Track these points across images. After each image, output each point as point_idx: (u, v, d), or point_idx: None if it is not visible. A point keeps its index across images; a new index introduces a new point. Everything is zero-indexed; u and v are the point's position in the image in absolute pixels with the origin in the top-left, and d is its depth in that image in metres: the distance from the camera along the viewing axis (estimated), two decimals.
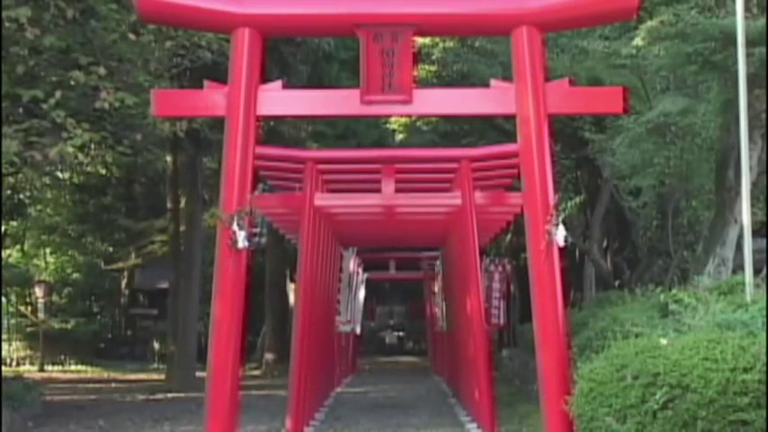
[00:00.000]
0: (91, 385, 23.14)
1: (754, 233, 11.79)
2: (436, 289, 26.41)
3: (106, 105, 11.70)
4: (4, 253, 29.68)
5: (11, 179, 16.75)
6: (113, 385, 23.20)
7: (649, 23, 12.00)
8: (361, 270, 24.02)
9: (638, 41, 12.24)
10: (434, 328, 26.98)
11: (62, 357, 31.14)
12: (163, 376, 23.43)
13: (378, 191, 13.32)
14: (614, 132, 14.70)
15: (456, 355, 17.18)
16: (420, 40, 16.17)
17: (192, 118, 13.67)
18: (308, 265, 12.89)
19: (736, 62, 7.99)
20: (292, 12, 7.61)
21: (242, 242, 7.24)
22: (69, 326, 32.65)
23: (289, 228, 16.43)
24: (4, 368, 21.08)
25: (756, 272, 8.05)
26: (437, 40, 17.39)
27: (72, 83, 11.86)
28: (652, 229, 19.65)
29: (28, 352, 31.58)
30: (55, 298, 33.90)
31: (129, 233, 32.94)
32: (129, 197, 34.29)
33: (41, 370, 28.28)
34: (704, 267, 12.45)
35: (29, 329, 31.82)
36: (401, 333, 38.85)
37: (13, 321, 32.13)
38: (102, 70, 11.62)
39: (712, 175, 13.87)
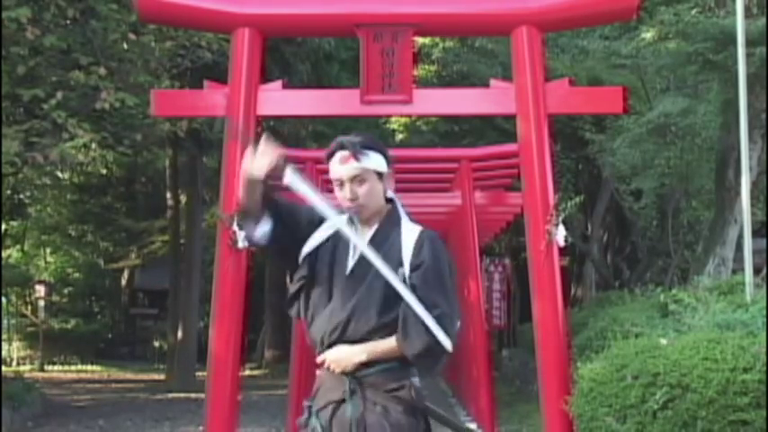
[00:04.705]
0: (91, 385, 23.13)
1: (754, 233, 11.80)
2: None
3: (106, 105, 11.69)
4: (4, 253, 29.66)
5: (11, 179, 16.70)
6: (113, 385, 23.20)
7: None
8: None
9: (645, 35, 12.24)
10: None
11: (62, 357, 31.14)
12: (163, 376, 23.42)
13: None
14: (615, 133, 14.70)
15: (456, 355, 17.14)
16: (420, 40, 16.15)
17: (192, 118, 13.67)
18: None
19: (736, 62, 7.98)
20: (292, 12, 7.59)
21: (242, 242, 7.22)
22: (69, 326, 32.68)
23: None
24: (4, 368, 21.04)
25: (756, 272, 8.05)
26: (437, 40, 17.37)
27: (72, 83, 11.85)
28: (652, 229, 19.63)
29: (28, 352, 31.59)
30: (55, 298, 33.90)
31: (130, 233, 32.93)
32: (129, 197, 34.29)
33: (41, 370, 28.25)
34: (704, 267, 12.44)
35: (29, 329, 31.83)
36: None
37: (13, 321, 32.12)
38: (102, 70, 11.61)
39: (712, 175, 13.87)
